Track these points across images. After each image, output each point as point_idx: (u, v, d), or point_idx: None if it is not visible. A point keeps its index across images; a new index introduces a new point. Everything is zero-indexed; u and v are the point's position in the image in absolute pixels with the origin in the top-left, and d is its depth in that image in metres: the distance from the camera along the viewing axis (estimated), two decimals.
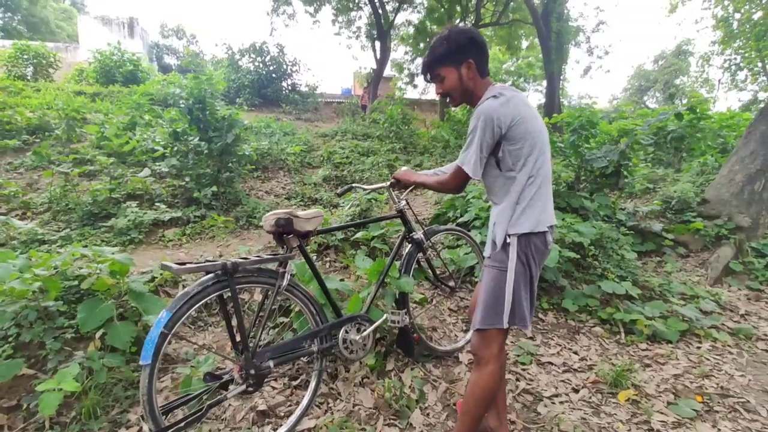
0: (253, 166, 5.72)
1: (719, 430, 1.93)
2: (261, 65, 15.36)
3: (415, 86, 18.45)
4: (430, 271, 2.61)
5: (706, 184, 5.39)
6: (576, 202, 4.13)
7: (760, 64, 18.12)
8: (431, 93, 17.23)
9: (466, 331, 2.83)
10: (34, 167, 5.33)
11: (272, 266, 1.89)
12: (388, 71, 18.63)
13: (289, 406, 2.07)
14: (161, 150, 5.20)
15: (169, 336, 1.53)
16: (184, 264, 1.60)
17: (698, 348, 2.70)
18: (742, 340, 2.81)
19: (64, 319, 2.17)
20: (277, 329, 2.43)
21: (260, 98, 13.77)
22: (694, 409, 2.04)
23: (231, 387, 1.73)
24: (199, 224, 4.03)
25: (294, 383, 2.23)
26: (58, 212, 4.08)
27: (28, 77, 13.41)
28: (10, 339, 2.05)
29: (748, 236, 4.39)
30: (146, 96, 8.62)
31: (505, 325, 1.50)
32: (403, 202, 2.39)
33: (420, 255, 2.45)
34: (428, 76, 1.64)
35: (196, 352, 2.43)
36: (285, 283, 1.83)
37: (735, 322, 3.07)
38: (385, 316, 2.23)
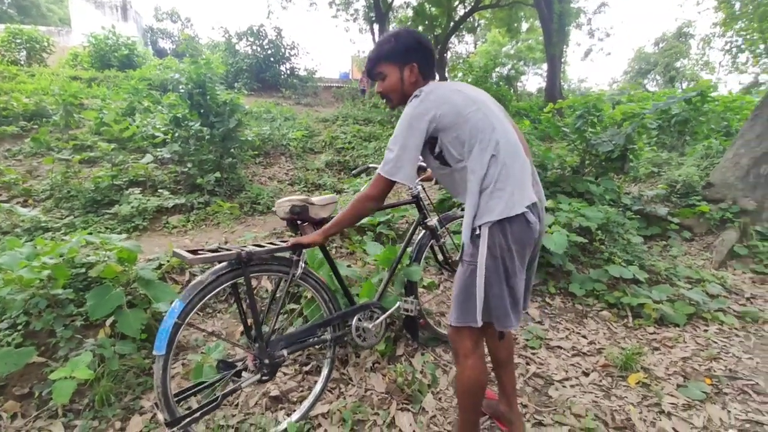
0: (256, 152, 5.66)
1: (729, 412, 1.94)
2: (259, 49, 15.08)
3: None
4: (442, 257, 2.59)
5: (711, 168, 5.35)
6: (582, 187, 4.10)
7: (762, 46, 17.87)
8: None
9: None
10: (32, 154, 5.26)
11: (286, 254, 1.88)
12: None
13: (301, 391, 2.07)
14: (162, 136, 5.13)
15: (183, 326, 1.52)
16: (196, 252, 1.58)
17: (705, 331, 2.71)
18: (749, 323, 2.82)
19: (73, 306, 2.15)
20: (286, 317, 2.42)
21: (259, 83, 13.57)
22: (703, 392, 2.05)
23: (244, 375, 1.73)
24: (203, 211, 3.99)
25: (305, 369, 2.23)
26: (60, 199, 4.04)
27: (22, 62, 13.17)
28: (19, 327, 2.03)
29: (753, 220, 4.37)
30: (144, 81, 8.48)
31: (479, 324, 1.38)
32: (419, 188, 2.35)
33: (433, 242, 2.43)
34: (371, 73, 1.56)
35: (205, 338, 2.43)
36: (299, 271, 1.81)
37: (741, 305, 3.07)
38: (398, 303, 2.22)
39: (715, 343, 2.56)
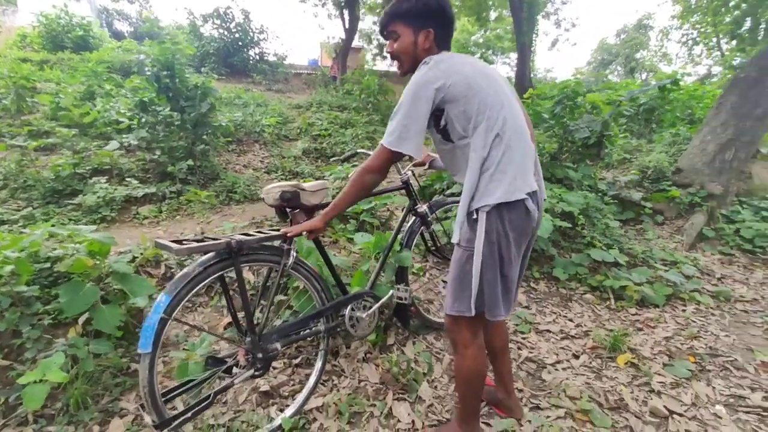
0: (228, 139, 5.42)
1: (714, 388, 2.01)
2: (226, 32, 14.46)
3: (384, 57, 17.92)
4: (432, 244, 2.55)
5: (679, 154, 5.55)
6: (560, 173, 4.15)
7: (715, 39, 18.66)
8: None
9: None
10: None
11: (276, 243, 1.79)
12: (357, 42, 18.02)
13: (292, 385, 2.00)
14: (127, 121, 4.82)
15: (170, 321, 1.42)
16: (181, 243, 1.47)
17: (683, 311, 2.80)
18: (722, 302, 2.94)
19: (40, 304, 1.98)
20: (273, 309, 2.32)
21: (227, 68, 13.03)
22: (689, 369, 2.11)
23: (235, 371, 1.64)
24: (176, 200, 3.78)
25: (295, 362, 2.15)
26: (16, 189, 3.73)
27: None
28: None
29: (719, 203, 4.56)
30: (103, 64, 7.96)
31: (473, 313, 1.33)
32: (408, 174, 2.30)
33: (423, 228, 2.39)
34: (384, 30, 1.46)
35: (186, 334, 2.30)
36: (291, 260, 1.73)
37: (713, 285, 3.20)
38: (391, 292, 2.17)
39: (694, 322, 2.66)
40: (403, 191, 2.29)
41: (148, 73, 4.12)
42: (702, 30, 18.34)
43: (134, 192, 3.71)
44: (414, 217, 2.33)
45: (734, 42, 14.95)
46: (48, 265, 2.14)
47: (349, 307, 2.01)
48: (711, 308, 2.85)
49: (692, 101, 7.93)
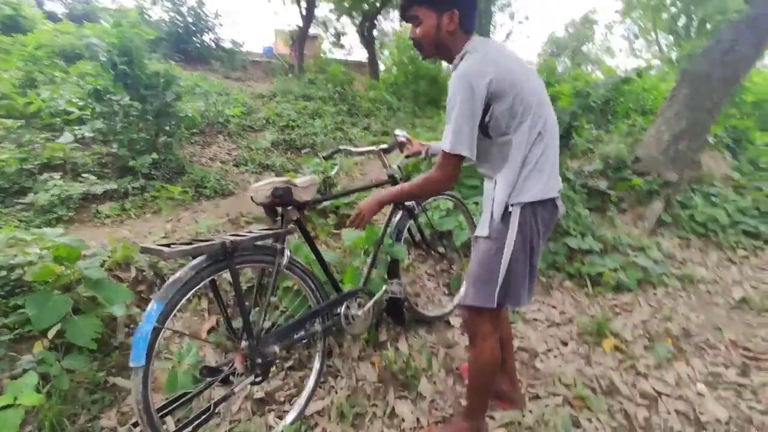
0: (193, 130, 5.11)
1: (693, 367, 2.13)
2: (178, 16, 13.62)
3: (341, 46, 17.56)
4: (420, 237, 2.53)
5: (636, 144, 5.83)
6: None
7: (654, 35, 19.70)
8: (358, 53, 16.41)
9: (448, 295, 2.82)
10: None
11: (267, 242, 1.70)
12: (314, 29, 17.51)
13: (288, 390, 1.92)
14: (77, 112, 4.42)
15: (163, 331, 1.31)
16: (170, 246, 1.35)
17: (655, 294, 2.95)
18: (687, 283, 3.13)
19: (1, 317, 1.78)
20: (258, 310, 2.22)
21: (180, 54, 12.27)
22: (669, 351, 2.23)
23: (232, 379, 1.55)
24: (140, 197, 3.52)
25: (287, 365, 2.07)
26: None
27: None
28: None
29: (674, 190, 4.84)
30: (44, 47, 7.26)
31: (495, 304, 1.36)
32: (395, 166, 2.27)
33: (410, 222, 2.36)
34: (405, 14, 1.37)
35: (167, 342, 2.15)
36: (285, 260, 1.65)
37: (677, 268, 3.39)
38: (384, 287, 2.12)
39: (666, 304, 2.81)
40: (389, 185, 2.27)
41: (103, 59, 3.78)
42: (642, 25, 19.37)
43: (93, 189, 3.41)
44: (402, 211, 2.30)
45: (671, 37, 15.83)
46: (4, 273, 1.92)
47: (344, 305, 1.95)
48: (678, 290, 3.02)
49: (645, 93, 8.35)
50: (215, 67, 10.88)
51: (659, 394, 1.91)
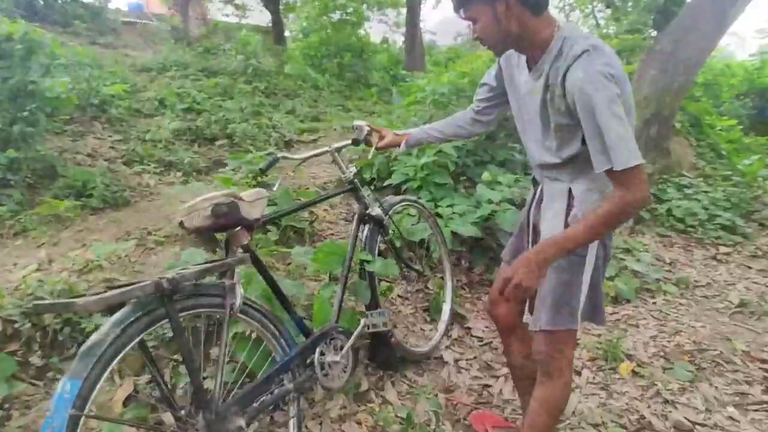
0: (68, 116, 4.45)
1: (716, 387, 2.25)
2: None
3: (236, 6, 16.69)
4: (395, 255, 2.41)
5: None
6: (502, 154, 4.32)
7: (590, 6, 21.38)
8: (255, 17, 15.53)
9: (428, 322, 2.73)
10: None
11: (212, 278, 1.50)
12: None
13: None
14: None
15: (83, 419, 1.07)
16: (82, 296, 1.10)
17: (654, 303, 3.11)
18: (684, 288, 3.35)
19: None
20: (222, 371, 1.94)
21: (24, 11, 10.80)
22: (688, 371, 2.33)
23: None
24: None
25: None
26: None
27: None
28: None
29: (649, 183, 5.24)
30: None
31: (579, 325, 1.45)
32: (353, 171, 2.13)
33: (380, 237, 2.24)
34: (459, 15, 1.37)
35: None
36: (239, 300, 1.45)
37: (668, 271, 3.63)
38: (362, 321, 1.96)
39: (668, 314, 2.96)
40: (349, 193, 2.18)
41: None
42: None
43: None
44: (369, 224, 2.17)
45: (609, 10, 17.27)
46: None
47: (317, 351, 1.77)
48: (677, 297, 3.22)
49: None
50: (79, 30, 9.73)
51: (694, 424, 1.97)
